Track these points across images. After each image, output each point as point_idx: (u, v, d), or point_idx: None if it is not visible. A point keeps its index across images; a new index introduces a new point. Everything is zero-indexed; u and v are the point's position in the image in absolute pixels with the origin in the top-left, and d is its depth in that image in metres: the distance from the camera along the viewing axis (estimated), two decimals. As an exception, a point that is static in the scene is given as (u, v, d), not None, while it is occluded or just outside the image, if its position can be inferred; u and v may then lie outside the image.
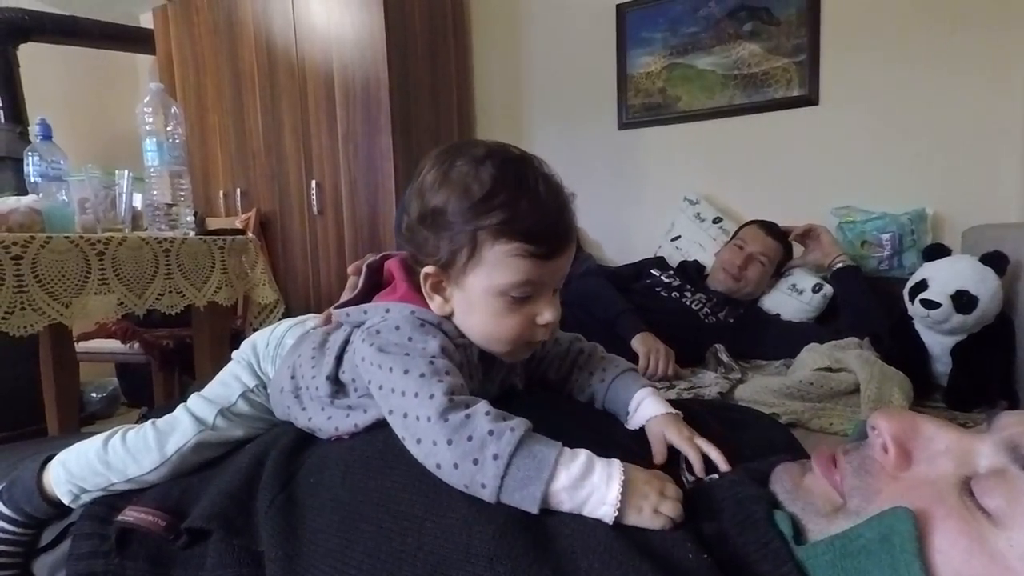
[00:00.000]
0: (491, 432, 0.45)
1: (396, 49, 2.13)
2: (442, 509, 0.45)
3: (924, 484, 0.41)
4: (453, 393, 0.48)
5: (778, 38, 2.01)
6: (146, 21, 2.99)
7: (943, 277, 1.33)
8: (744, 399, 1.29)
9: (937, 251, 1.42)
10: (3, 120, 2.42)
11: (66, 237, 1.12)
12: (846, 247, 1.80)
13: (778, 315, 1.76)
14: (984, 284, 1.28)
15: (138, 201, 1.44)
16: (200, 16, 2.53)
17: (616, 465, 0.45)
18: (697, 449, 0.56)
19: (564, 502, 0.44)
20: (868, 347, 1.39)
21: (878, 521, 0.39)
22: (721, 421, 0.65)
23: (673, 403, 0.63)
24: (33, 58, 2.57)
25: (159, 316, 1.36)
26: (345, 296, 0.66)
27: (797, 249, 1.86)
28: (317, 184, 2.30)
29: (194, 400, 0.66)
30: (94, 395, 2.70)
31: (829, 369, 1.28)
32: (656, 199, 2.27)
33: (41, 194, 1.29)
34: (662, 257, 1.96)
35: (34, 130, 1.34)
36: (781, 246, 1.79)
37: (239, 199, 2.52)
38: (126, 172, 1.38)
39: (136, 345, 2.08)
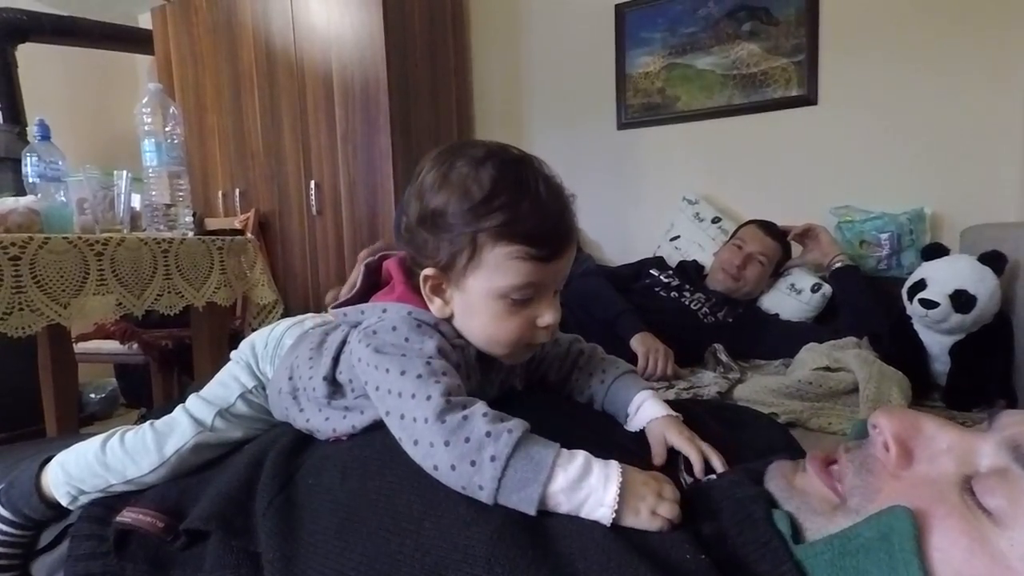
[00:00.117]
0: (488, 433, 0.45)
1: (395, 49, 2.12)
2: (440, 510, 0.45)
3: (925, 483, 0.40)
4: (450, 394, 0.48)
5: (777, 38, 2.01)
6: (145, 21, 2.99)
7: (942, 277, 1.33)
8: (743, 399, 1.29)
9: (936, 251, 1.42)
10: (1, 120, 2.42)
11: (64, 238, 1.12)
12: (845, 247, 1.80)
13: (777, 315, 1.76)
14: (983, 284, 1.28)
15: (137, 202, 1.44)
16: (199, 16, 2.53)
17: (614, 466, 0.45)
18: (698, 450, 0.56)
19: (562, 504, 0.44)
20: (867, 346, 1.40)
21: (877, 520, 0.39)
22: (720, 422, 0.65)
23: (672, 404, 0.63)
24: (32, 58, 2.56)
25: (158, 316, 1.36)
26: (344, 293, 0.66)
27: (796, 249, 1.86)
28: (316, 184, 2.30)
29: (192, 401, 0.66)
30: (93, 396, 2.70)
31: (828, 369, 1.28)
32: (655, 199, 2.27)
33: (39, 194, 1.29)
34: (661, 257, 1.96)
35: (32, 130, 1.34)
36: (780, 246, 1.79)
37: (238, 199, 2.52)
38: (124, 172, 1.37)
39: (135, 346, 2.08)
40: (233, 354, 0.69)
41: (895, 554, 0.37)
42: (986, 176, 1.79)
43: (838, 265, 1.69)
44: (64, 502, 0.64)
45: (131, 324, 2.09)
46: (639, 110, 2.27)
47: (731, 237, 1.85)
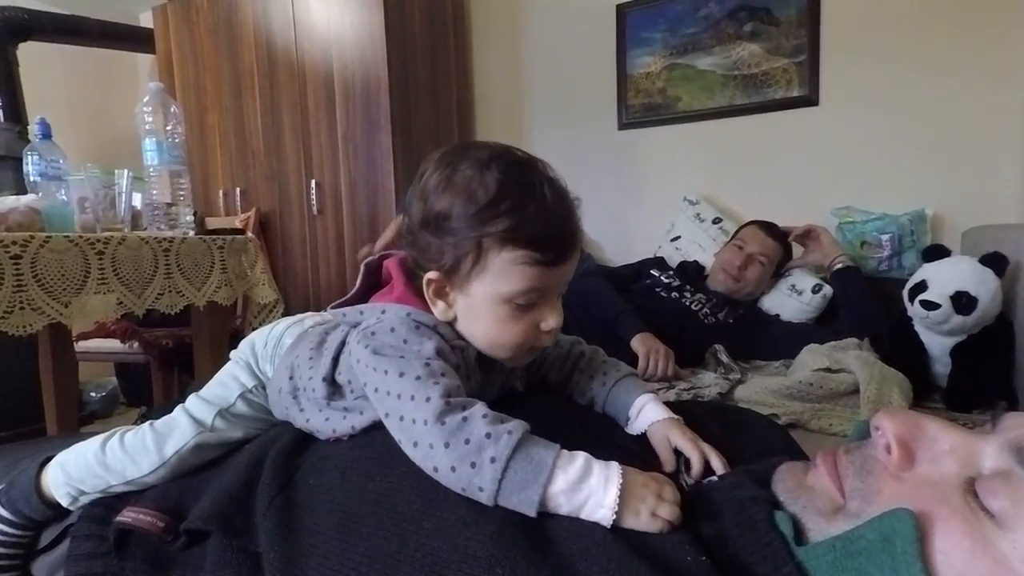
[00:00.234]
0: (488, 435, 0.45)
1: (396, 49, 2.12)
2: (440, 510, 0.44)
3: (927, 485, 0.40)
4: (450, 395, 0.48)
5: (778, 38, 2.01)
6: (146, 20, 2.99)
7: (943, 278, 1.33)
8: (743, 399, 1.29)
9: (937, 252, 1.42)
10: (2, 119, 2.42)
11: (65, 236, 1.12)
12: (846, 248, 1.80)
13: (778, 316, 1.76)
14: (984, 285, 1.28)
15: (137, 201, 1.44)
16: (200, 15, 2.53)
17: (614, 468, 0.45)
18: (700, 452, 0.56)
19: (562, 505, 0.44)
20: (867, 348, 1.39)
21: (879, 522, 0.39)
22: (720, 423, 0.65)
23: (672, 406, 0.63)
24: (33, 57, 2.56)
25: (158, 316, 1.36)
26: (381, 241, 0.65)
27: (797, 250, 1.85)
28: (317, 184, 2.30)
29: (192, 401, 0.65)
30: (93, 394, 2.70)
31: (828, 370, 1.28)
32: (656, 199, 2.27)
33: (40, 193, 1.29)
34: (662, 257, 1.96)
35: (33, 129, 1.34)
36: (781, 246, 1.79)
37: (239, 199, 2.52)
38: (125, 171, 1.37)
39: (135, 344, 2.08)
40: (233, 354, 0.69)
41: (897, 556, 0.37)
42: (987, 177, 1.78)
43: (839, 266, 1.69)
44: (64, 503, 0.64)
45: (132, 323, 2.09)
46: (640, 110, 2.27)
47: (732, 238, 1.85)
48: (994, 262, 1.30)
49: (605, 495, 0.43)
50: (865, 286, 1.64)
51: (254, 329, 0.70)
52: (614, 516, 0.43)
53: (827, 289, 1.71)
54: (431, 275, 0.54)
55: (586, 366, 0.68)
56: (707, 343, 1.58)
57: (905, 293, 1.41)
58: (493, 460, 0.44)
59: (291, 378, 0.60)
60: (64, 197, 1.31)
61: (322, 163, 2.29)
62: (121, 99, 3.13)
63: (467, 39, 2.54)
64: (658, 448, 0.59)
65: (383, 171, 2.15)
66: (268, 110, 2.40)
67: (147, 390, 2.31)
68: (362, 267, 0.63)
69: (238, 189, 2.52)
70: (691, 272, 1.87)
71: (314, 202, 2.31)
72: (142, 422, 0.67)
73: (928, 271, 1.37)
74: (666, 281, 1.77)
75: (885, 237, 1.79)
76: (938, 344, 1.38)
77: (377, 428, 0.52)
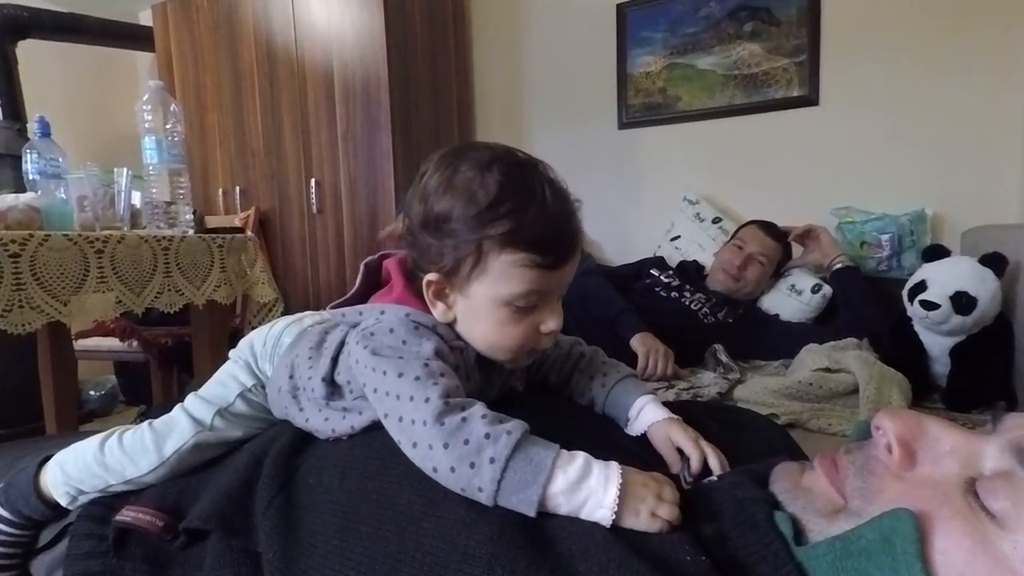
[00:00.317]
0: (487, 435, 0.45)
1: (396, 48, 2.12)
2: (440, 510, 0.44)
3: (928, 485, 0.40)
4: (449, 396, 0.48)
5: (778, 38, 2.01)
6: (145, 18, 2.99)
7: (942, 278, 1.33)
8: (743, 399, 1.29)
9: (937, 252, 1.42)
10: (1, 117, 2.42)
11: (64, 235, 1.11)
12: (845, 248, 1.80)
13: (777, 315, 1.76)
14: (983, 285, 1.28)
15: (137, 199, 1.44)
16: (200, 14, 2.53)
17: (614, 467, 0.45)
18: (700, 451, 0.56)
19: (561, 505, 0.43)
20: (867, 348, 1.40)
21: (879, 522, 0.39)
22: (720, 423, 0.65)
23: (672, 406, 0.63)
24: (32, 55, 2.56)
25: (158, 314, 1.36)
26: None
27: (796, 249, 1.86)
28: (316, 183, 2.30)
29: (191, 400, 0.65)
30: (92, 393, 2.69)
31: (828, 370, 1.28)
32: (656, 199, 2.27)
33: (39, 192, 1.28)
34: (661, 257, 1.96)
35: (33, 127, 1.34)
36: (780, 246, 1.79)
37: (238, 197, 2.52)
38: (125, 170, 1.37)
39: (135, 343, 2.08)
40: (232, 353, 0.68)
41: (897, 556, 0.37)
42: (987, 178, 1.78)
43: (838, 266, 1.69)
44: (63, 502, 0.64)
45: (131, 322, 2.09)
46: (640, 110, 2.27)
47: (732, 237, 1.85)
48: (994, 262, 1.31)
49: (605, 495, 0.43)
50: (865, 286, 1.64)
51: (253, 328, 0.70)
52: (614, 516, 0.42)
53: (827, 289, 1.72)
54: (431, 277, 0.54)
55: (586, 367, 0.68)
56: (706, 343, 1.58)
57: (905, 293, 1.41)
58: (492, 461, 0.44)
59: (291, 377, 0.60)
60: (63, 195, 1.31)
61: (322, 162, 2.29)
62: (120, 97, 3.13)
63: (467, 38, 2.53)
64: (661, 449, 0.59)
65: (383, 170, 2.15)
66: (268, 109, 2.40)
67: (146, 389, 2.31)
68: (362, 267, 0.63)
69: (238, 188, 2.52)
70: (691, 272, 1.87)
71: (314, 201, 2.31)
72: (141, 421, 0.66)
73: (928, 271, 1.38)
74: (666, 281, 1.77)
75: (885, 237, 1.79)
76: (937, 344, 1.38)
77: (377, 428, 0.52)
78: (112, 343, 2.11)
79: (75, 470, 0.63)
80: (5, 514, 0.66)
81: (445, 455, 0.45)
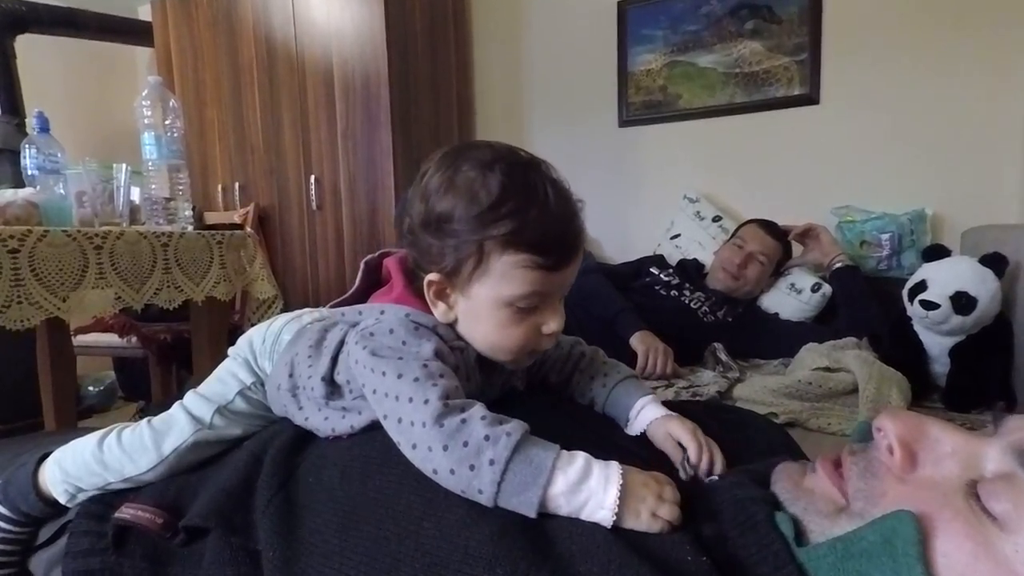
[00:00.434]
0: (487, 437, 0.44)
1: (396, 44, 2.12)
2: (440, 510, 0.44)
3: (929, 487, 0.40)
4: (448, 397, 0.47)
5: (779, 37, 2.01)
6: (144, 13, 2.97)
7: (943, 278, 1.33)
8: (742, 398, 1.29)
9: (937, 252, 1.42)
10: (0, 112, 2.41)
11: (63, 231, 1.11)
12: (845, 247, 1.80)
13: (777, 314, 1.76)
14: (983, 286, 1.28)
15: (136, 195, 1.44)
16: (199, 9, 2.52)
17: (614, 468, 0.45)
18: (698, 442, 0.56)
19: (562, 507, 0.43)
20: (867, 347, 1.40)
21: (880, 524, 0.38)
22: (720, 423, 0.65)
23: (671, 405, 0.63)
24: (30, 50, 2.55)
25: (157, 310, 1.35)
26: None
27: (796, 248, 1.85)
28: (316, 179, 2.30)
29: (191, 398, 0.65)
30: (91, 389, 2.69)
31: (828, 369, 1.28)
32: (656, 197, 2.27)
33: (38, 187, 1.28)
34: (661, 255, 1.96)
35: (31, 122, 1.33)
36: (780, 245, 1.79)
37: (237, 194, 2.51)
38: (124, 166, 1.37)
39: (134, 339, 2.07)
40: (230, 350, 0.68)
41: (898, 558, 0.36)
42: (988, 177, 1.78)
43: (838, 265, 1.69)
44: (62, 500, 0.64)
45: (130, 318, 2.09)
46: (640, 108, 2.26)
47: (732, 236, 1.85)
48: (994, 262, 1.31)
49: (605, 496, 0.43)
50: (864, 285, 1.65)
51: (253, 325, 0.70)
52: (614, 517, 0.42)
53: (826, 288, 1.72)
54: (432, 277, 0.53)
55: (586, 367, 0.68)
56: (706, 341, 1.58)
57: (905, 293, 1.41)
58: (492, 463, 0.43)
59: (290, 376, 0.60)
60: (62, 191, 1.31)
61: (321, 158, 2.29)
62: (119, 93, 3.12)
63: (468, 35, 2.53)
64: (661, 444, 0.59)
65: (383, 167, 2.15)
66: (267, 105, 2.39)
67: (145, 385, 2.31)
68: (362, 265, 0.63)
69: (237, 184, 2.51)
70: (690, 270, 1.87)
71: (313, 198, 2.31)
72: (140, 417, 0.66)
73: (928, 271, 1.38)
74: (665, 279, 1.77)
75: (885, 236, 1.79)
76: (937, 344, 1.38)
77: (376, 427, 0.52)
78: (111, 339, 2.11)
79: (74, 468, 0.63)
80: (4, 511, 0.65)
81: (445, 457, 0.45)
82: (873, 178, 1.92)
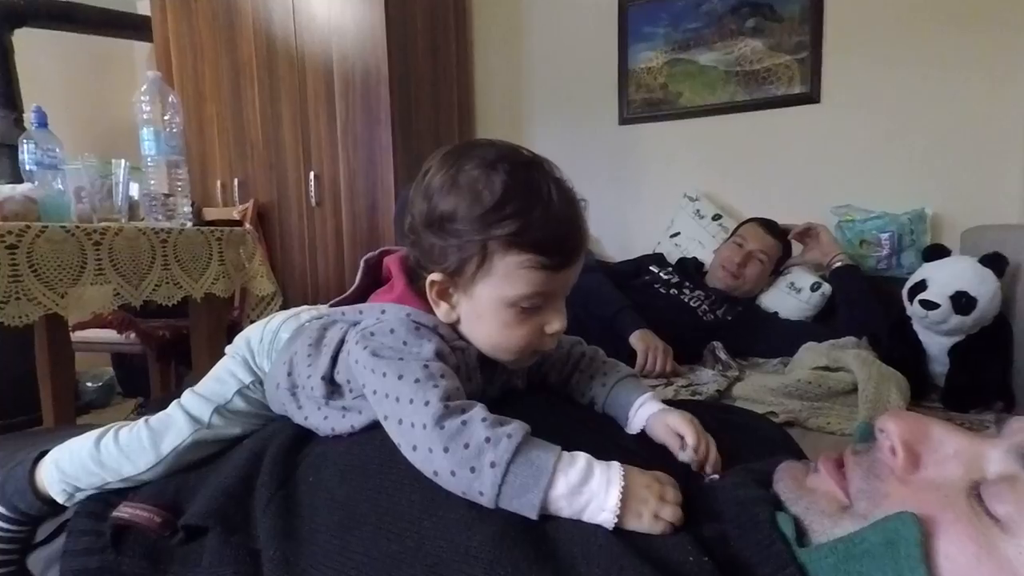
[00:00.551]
0: (488, 439, 0.44)
1: (396, 41, 2.11)
2: (440, 510, 0.44)
3: (932, 488, 0.40)
4: (449, 398, 0.47)
5: (780, 35, 2.00)
6: (143, 8, 2.95)
7: (942, 278, 1.33)
8: (742, 397, 1.29)
9: (937, 251, 1.42)
10: (-2, 107, 2.40)
11: (62, 226, 1.11)
12: (845, 246, 1.80)
13: (776, 313, 1.76)
14: (983, 286, 1.28)
15: (135, 191, 1.43)
16: (199, 4, 2.51)
17: (616, 469, 0.45)
18: (696, 431, 0.56)
19: (563, 509, 0.43)
20: (866, 346, 1.40)
21: (883, 525, 0.38)
22: (720, 422, 0.65)
23: (670, 404, 0.63)
24: (28, 44, 2.53)
25: (155, 307, 1.35)
26: None
27: (796, 247, 1.85)
28: (315, 176, 2.29)
29: (188, 397, 0.64)
30: (90, 385, 2.68)
31: (827, 368, 1.28)
32: (656, 195, 2.26)
33: (37, 182, 1.28)
34: (661, 254, 1.96)
35: (29, 117, 1.33)
36: (780, 244, 1.79)
37: (237, 190, 2.51)
38: (123, 161, 1.36)
39: (132, 335, 2.07)
40: (228, 349, 0.67)
41: (901, 560, 0.36)
42: (988, 177, 1.78)
43: (838, 264, 1.69)
44: (60, 499, 0.64)
45: (129, 314, 2.08)
46: (641, 106, 2.26)
47: (731, 235, 1.85)
48: (994, 262, 1.31)
49: (607, 498, 0.43)
50: (864, 285, 1.64)
51: (252, 321, 0.69)
52: (616, 519, 0.42)
53: (826, 287, 1.72)
54: (434, 277, 0.53)
55: (586, 367, 0.68)
56: (705, 340, 1.58)
57: (904, 292, 1.41)
58: (493, 465, 0.43)
59: (289, 374, 0.60)
60: (60, 186, 1.30)
61: (321, 155, 2.28)
62: (118, 88, 3.10)
63: (468, 32, 2.52)
64: (661, 437, 0.59)
65: (382, 164, 2.14)
66: (267, 101, 2.38)
67: (144, 381, 2.31)
68: (362, 263, 0.62)
69: (236, 180, 2.50)
70: (690, 269, 1.87)
71: (313, 194, 2.30)
72: (138, 413, 0.66)
73: (928, 271, 1.38)
74: (665, 278, 1.77)
75: (885, 236, 1.79)
76: (936, 344, 1.38)
77: (377, 427, 0.51)
78: (110, 335, 2.10)
79: (71, 468, 0.63)
80: (1, 510, 0.65)
81: (445, 459, 0.44)
82: (873, 177, 1.91)
